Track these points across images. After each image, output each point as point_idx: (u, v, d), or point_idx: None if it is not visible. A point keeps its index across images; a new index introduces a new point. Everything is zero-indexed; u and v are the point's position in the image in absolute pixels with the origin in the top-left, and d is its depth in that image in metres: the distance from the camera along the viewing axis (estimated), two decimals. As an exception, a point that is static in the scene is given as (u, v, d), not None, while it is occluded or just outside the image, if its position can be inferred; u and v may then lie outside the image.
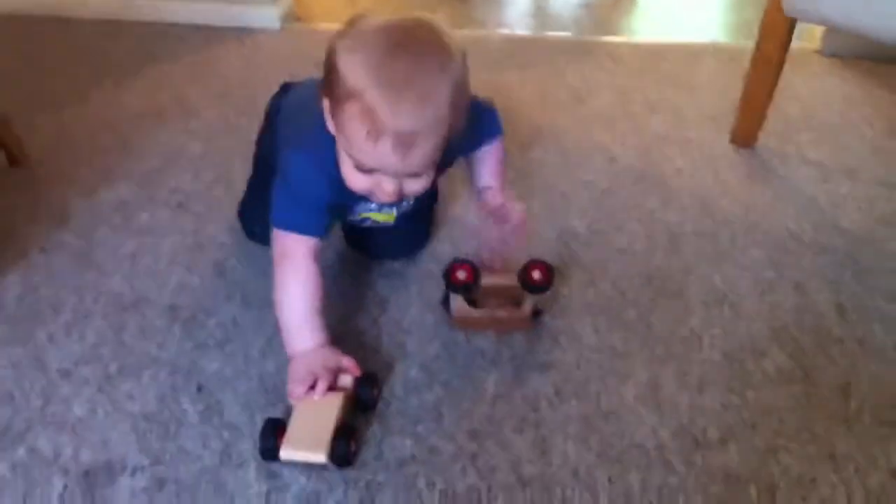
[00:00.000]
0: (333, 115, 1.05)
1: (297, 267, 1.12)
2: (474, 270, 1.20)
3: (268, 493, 1.00)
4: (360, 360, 1.12)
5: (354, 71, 0.98)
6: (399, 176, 1.06)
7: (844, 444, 1.08)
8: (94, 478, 1.02)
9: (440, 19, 1.04)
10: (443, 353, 1.21)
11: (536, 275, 1.20)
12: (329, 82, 1.03)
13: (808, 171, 1.70)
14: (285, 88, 1.38)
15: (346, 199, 1.16)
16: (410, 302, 1.31)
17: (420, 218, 1.40)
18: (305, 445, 1.01)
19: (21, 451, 1.06)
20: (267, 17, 2.38)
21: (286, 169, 1.14)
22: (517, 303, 1.23)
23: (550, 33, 2.48)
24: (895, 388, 1.16)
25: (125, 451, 1.06)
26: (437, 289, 1.30)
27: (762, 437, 1.08)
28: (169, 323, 1.27)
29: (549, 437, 1.08)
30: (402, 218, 1.27)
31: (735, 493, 1.01)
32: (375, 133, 0.98)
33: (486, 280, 1.22)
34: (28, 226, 1.49)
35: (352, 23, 1.03)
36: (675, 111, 1.94)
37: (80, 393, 1.14)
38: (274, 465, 1.03)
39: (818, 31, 2.24)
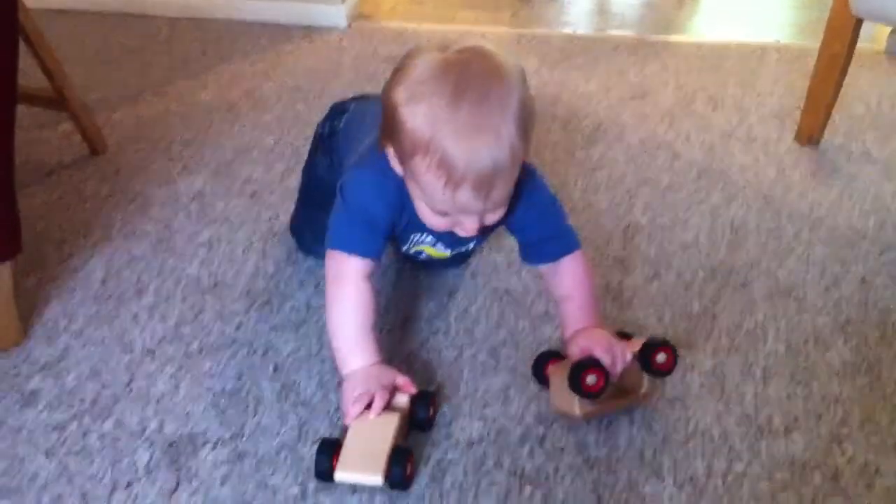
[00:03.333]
0: (402, 164, 1.03)
1: (350, 288, 1.10)
2: (605, 374, 1.05)
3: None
4: (423, 369, 1.16)
5: (421, 124, 0.97)
6: (482, 213, 1.04)
7: (910, 436, 1.08)
8: (178, 449, 1.07)
9: (489, 44, 1.02)
10: (509, 340, 1.24)
11: (661, 358, 1.09)
12: (393, 133, 1.01)
13: (872, 170, 1.70)
14: (334, 110, 1.35)
15: (403, 225, 1.14)
16: (478, 291, 1.34)
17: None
18: (361, 467, 0.99)
19: (109, 424, 1.11)
20: (334, 15, 2.43)
21: (346, 189, 1.12)
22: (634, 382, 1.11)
23: (613, 32, 2.49)
24: (962, 383, 1.16)
25: (207, 425, 1.10)
26: (501, 279, 1.32)
27: (826, 427, 1.10)
28: (246, 306, 1.32)
29: (615, 422, 1.10)
30: (456, 256, 1.26)
31: (800, 480, 1.02)
32: (454, 183, 0.97)
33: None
34: (110, 213, 1.55)
35: (404, 69, 1.00)
36: (739, 109, 1.95)
37: (163, 370, 1.20)
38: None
39: (884, 31, 2.23)
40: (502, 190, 1.01)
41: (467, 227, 1.05)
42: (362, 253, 1.11)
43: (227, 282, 1.37)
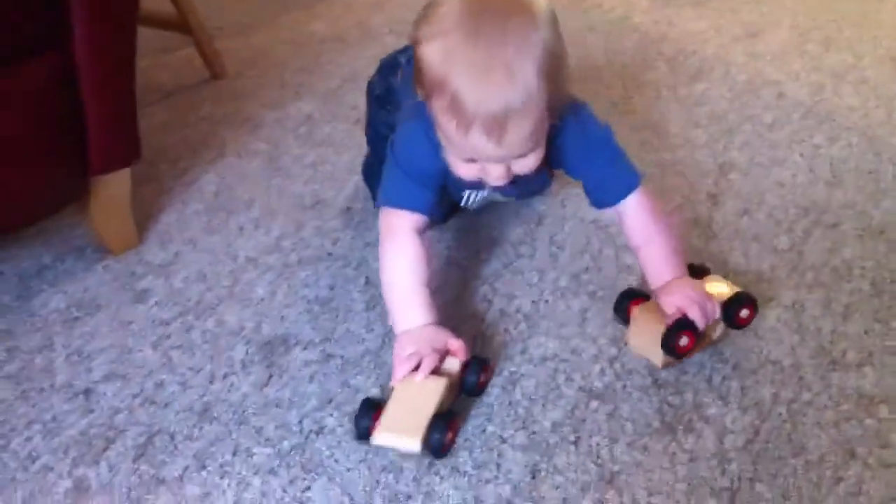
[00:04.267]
0: (429, 108, 1.01)
1: (402, 243, 1.09)
2: (696, 335, 1.06)
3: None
4: (505, 288, 1.19)
5: (435, 60, 0.95)
6: (503, 159, 1.00)
7: None
8: (272, 348, 1.16)
9: None
10: (592, 266, 1.28)
11: (744, 314, 1.10)
12: (417, 74, 1.00)
13: None
14: (384, 66, 1.33)
15: (454, 181, 1.11)
16: (565, 219, 1.38)
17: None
18: (400, 431, 0.96)
19: (210, 322, 1.21)
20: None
21: (395, 145, 1.12)
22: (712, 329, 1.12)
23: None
24: None
25: (300, 329, 1.18)
26: (590, 209, 1.35)
27: (902, 365, 1.10)
28: (343, 223, 1.39)
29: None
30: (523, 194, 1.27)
31: (865, 412, 1.03)
32: (465, 124, 0.94)
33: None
34: (225, 132, 1.65)
35: (430, 6, 0.98)
36: (854, 50, 1.89)
37: (263, 278, 1.28)
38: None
39: None
40: (518, 134, 0.96)
41: (493, 176, 1.02)
42: (413, 208, 1.09)
43: (328, 200, 1.45)
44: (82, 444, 1.02)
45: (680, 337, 1.05)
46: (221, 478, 0.98)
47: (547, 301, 1.22)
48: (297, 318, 1.20)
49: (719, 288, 1.12)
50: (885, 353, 1.11)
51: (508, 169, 1.02)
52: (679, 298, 1.06)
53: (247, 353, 1.15)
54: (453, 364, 1.04)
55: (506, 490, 0.95)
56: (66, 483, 0.98)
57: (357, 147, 1.58)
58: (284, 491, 0.95)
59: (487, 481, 0.96)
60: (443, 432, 0.96)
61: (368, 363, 1.13)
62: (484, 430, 1.02)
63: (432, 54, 0.95)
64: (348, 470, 0.98)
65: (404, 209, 1.10)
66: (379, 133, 1.30)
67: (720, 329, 1.11)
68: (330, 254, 1.33)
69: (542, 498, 0.94)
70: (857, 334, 1.14)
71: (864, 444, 0.99)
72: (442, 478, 0.96)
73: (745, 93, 1.74)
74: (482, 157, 1.00)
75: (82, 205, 1.29)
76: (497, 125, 0.94)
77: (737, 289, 1.12)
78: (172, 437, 1.03)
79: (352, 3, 2.22)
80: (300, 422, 1.04)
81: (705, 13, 2.10)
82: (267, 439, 1.02)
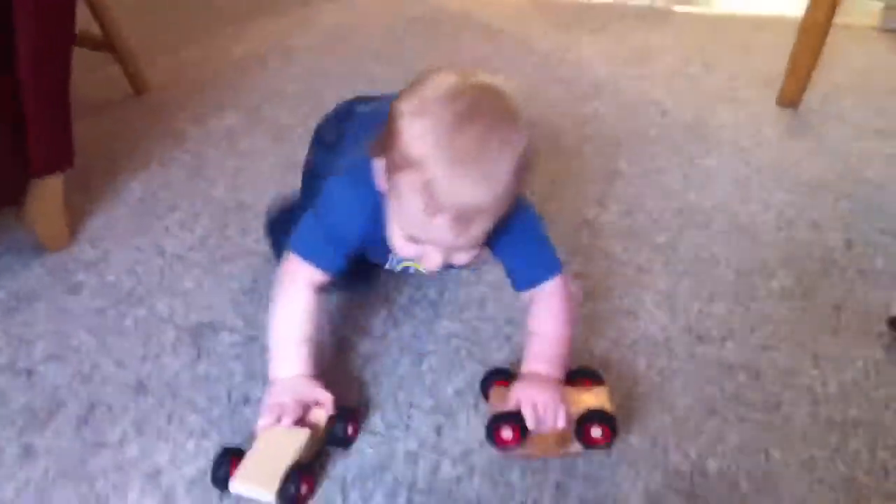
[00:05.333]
0: (389, 177, 0.99)
1: (297, 295, 1.09)
2: (521, 431, 1.03)
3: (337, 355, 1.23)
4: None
5: (418, 139, 0.94)
6: (445, 247, 1.01)
7: (828, 347, 1.24)
8: (200, 332, 1.26)
9: (509, 85, 0.99)
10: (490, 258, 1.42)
11: (596, 433, 1.03)
12: (389, 142, 0.98)
13: (843, 131, 1.85)
14: (339, 112, 1.32)
15: (379, 247, 1.10)
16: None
17: None
18: (255, 482, 0.97)
19: (142, 311, 1.31)
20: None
21: (324, 197, 1.11)
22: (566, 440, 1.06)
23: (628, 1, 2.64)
24: (884, 308, 1.31)
25: (225, 316, 1.29)
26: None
27: (757, 338, 1.26)
28: (263, 224, 1.50)
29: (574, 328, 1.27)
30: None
31: (726, 377, 1.19)
32: (433, 208, 0.94)
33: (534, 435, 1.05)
34: (149, 144, 1.75)
35: (419, 82, 0.98)
36: (731, 74, 2.10)
37: (190, 271, 1.39)
38: (351, 337, 1.25)
39: (877, 6, 2.36)
40: (479, 229, 0.98)
41: (431, 261, 1.03)
42: (319, 265, 1.09)
43: (249, 204, 1.56)
44: (27, 416, 1.12)
45: (502, 428, 1.03)
46: (158, 440, 1.08)
47: (450, 289, 1.35)
48: (223, 307, 1.31)
49: (587, 401, 1.06)
50: (744, 330, 1.27)
51: (448, 258, 1.03)
52: (523, 393, 1.05)
53: (177, 336, 1.25)
54: (320, 416, 1.05)
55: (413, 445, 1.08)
56: (15, 449, 1.07)
57: (276, 157, 1.70)
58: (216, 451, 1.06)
59: (397, 440, 1.09)
60: (297, 485, 0.97)
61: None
62: (395, 398, 1.15)
63: (413, 131, 0.94)
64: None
65: (310, 263, 1.09)
66: (320, 177, 1.22)
67: (575, 446, 1.05)
68: (252, 251, 1.44)
69: (445, 451, 1.07)
70: (721, 315, 1.31)
71: (723, 403, 1.15)
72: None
73: (631, 111, 1.92)
74: (434, 243, 1.00)
75: (19, 208, 1.38)
76: (464, 219, 0.95)
77: (608, 407, 1.06)
78: (111, 409, 1.13)
79: (272, 27, 2.34)
80: (228, 393, 1.15)
81: (598, 40, 2.29)
82: (199, 409, 1.13)
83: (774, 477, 1.04)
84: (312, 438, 1.02)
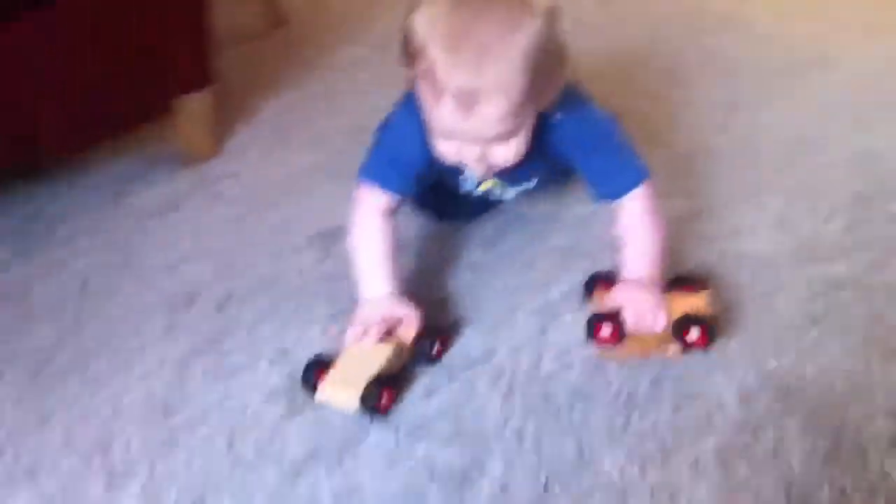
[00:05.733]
0: (414, 86, 1.03)
1: (369, 217, 1.14)
2: (621, 330, 1.07)
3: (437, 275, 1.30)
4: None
5: (419, 27, 0.96)
6: (477, 141, 1.01)
7: None
8: (327, 236, 1.36)
9: None
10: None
11: (693, 335, 1.06)
12: (405, 47, 1.01)
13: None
14: None
15: (447, 167, 1.12)
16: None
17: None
18: (338, 391, 1.03)
19: (276, 216, 1.42)
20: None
21: (385, 124, 1.17)
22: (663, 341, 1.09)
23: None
24: None
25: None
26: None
27: (868, 258, 1.25)
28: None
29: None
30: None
31: (832, 292, 1.19)
32: (436, 92, 0.95)
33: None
34: (284, 71, 1.90)
35: None
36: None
37: (319, 184, 1.50)
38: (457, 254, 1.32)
39: None
40: (489, 116, 0.96)
41: (468, 156, 1.03)
42: (385, 187, 1.13)
43: (371, 127, 1.64)
44: (174, 298, 1.26)
45: (602, 325, 1.07)
46: (286, 325, 1.19)
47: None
48: (348, 215, 1.40)
49: (687, 305, 1.09)
50: (856, 250, 1.26)
51: (484, 155, 1.03)
52: (623, 294, 1.09)
53: (306, 240, 1.36)
54: (407, 332, 1.09)
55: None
56: (159, 326, 1.21)
57: (399, 89, 1.78)
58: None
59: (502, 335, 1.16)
60: (378, 394, 1.01)
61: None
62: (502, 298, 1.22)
63: (418, 22, 0.97)
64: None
65: (377, 187, 1.13)
66: None
67: (673, 347, 1.08)
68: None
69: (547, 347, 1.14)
70: (834, 234, 1.30)
71: (826, 315, 1.16)
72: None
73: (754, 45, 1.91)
74: (452, 132, 1.01)
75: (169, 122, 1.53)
76: (465, 100, 0.94)
77: (707, 311, 1.09)
78: (245, 297, 1.25)
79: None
80: (350, 290, 1.24)
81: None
82: (324, 301, 1.23)
83: (872, 385, 1.05)
84: (397, 353, 1.07)
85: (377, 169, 1.14)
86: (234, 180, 1.52)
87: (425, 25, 0.96)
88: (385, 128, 1.17)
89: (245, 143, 1.63)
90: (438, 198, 1.30)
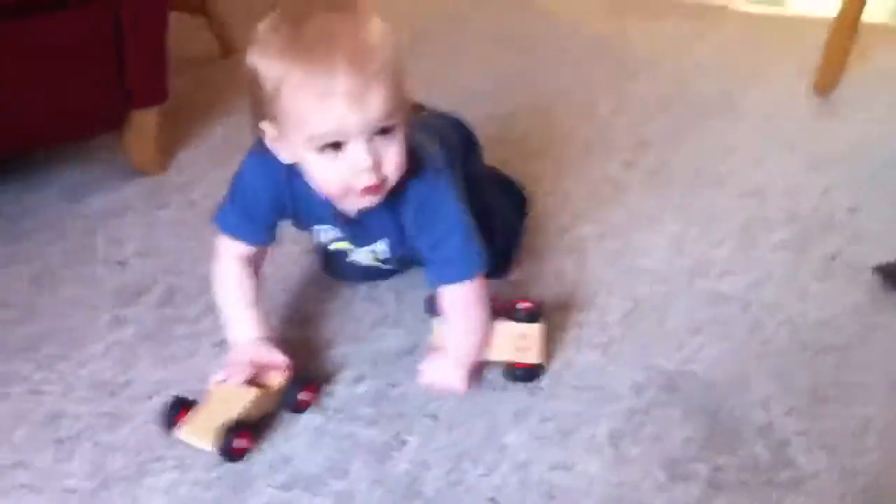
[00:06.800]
0: (273, 119, 1.01)
1: (227, 267, 1.16)
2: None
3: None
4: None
5: (274, 59, 0.96)
6: (368, 135, 0.98)
7: (815, 289, 1.40)
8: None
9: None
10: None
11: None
12: (257, 98, 1.00)
13: (870, 115, 1.95)
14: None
15: (294, 211, 1.15)
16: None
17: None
18: (198, 432, 1.04)
19: (219, 226, 1.52)
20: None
21: (237, 175, 1.15)
22: None
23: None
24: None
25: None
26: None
27: (751, 278, 1.41)
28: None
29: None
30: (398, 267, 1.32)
31: (716, 305, 1.35)
32: (325, 90, 0.94)
33: None
34: (232, 96, 1.97)
35: (255, 33, 1.01)
36: (770, 62, 2.24)
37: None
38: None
39: None
40: (381, 95, 0.96)
41: (360, 163, 0.98)
42: (237, 236, 1.15)
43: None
44: (119, 295, 1.36)
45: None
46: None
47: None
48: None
49: (519, 335, 1.19)
50: (741, 271, 1.43)
51: (378, 162, 1.00)
52: (432, 365, 1.18)
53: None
54: (276, 379, 1.11)
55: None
56: (107, 317, 1.31)
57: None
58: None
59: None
60: (232, 439, 1.03)
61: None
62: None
63: (268, 58, 0.97)
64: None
65: (230, 235, 1.15)
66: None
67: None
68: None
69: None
70: (722, 257, 1.47)
71: (709, 325, 1.31)
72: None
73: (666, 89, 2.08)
74: (344, 129, 0.97)
75: (119, 135, 1.64)
76: (357, 91, 0.94)
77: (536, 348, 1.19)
78: (189, 293, 1.36)
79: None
80: (281, 288, 1.36)
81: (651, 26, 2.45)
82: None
83: (748, 382, 1.21)
84: (261, 398, 1.08)
85: (231, 219, 1.15)
86: (181, 191, 1.62)
87: (279, 53, 0.96)
88: (237, 176, 1.15)
89: (194, 160, 1.74)
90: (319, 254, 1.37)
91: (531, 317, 1.20)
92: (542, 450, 1.09)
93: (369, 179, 1.00)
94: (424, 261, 1.16)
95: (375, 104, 0.96)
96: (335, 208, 1.11)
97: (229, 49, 2.19)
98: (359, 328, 1.30)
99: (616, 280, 1.40)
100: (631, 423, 1.14)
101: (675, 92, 2.07)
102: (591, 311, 1.33)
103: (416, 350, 1.25)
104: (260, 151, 1.09)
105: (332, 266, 1.37)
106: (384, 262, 1.25)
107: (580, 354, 1.25)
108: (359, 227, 1.15)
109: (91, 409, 1.15)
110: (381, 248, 1.20)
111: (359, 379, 1.20)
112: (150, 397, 1.16)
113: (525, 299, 1.22)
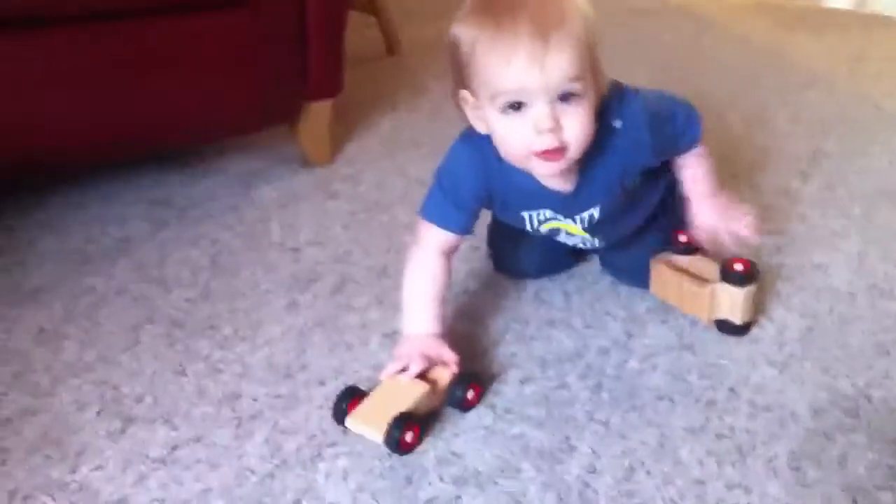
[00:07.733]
0: (469, 84, 1.06)
1: (426, 256, 1.17)
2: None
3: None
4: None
5: (469, 25, 1.03)
6: (549, 99, 1.01)
7: None
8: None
9: None
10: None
11: (738, 267, 1.21)
12: (456, 65, 1.07)
13: None
14: None
15: (503, 198, 1.18)
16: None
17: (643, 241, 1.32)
18: (367, 422, 1.05)
19: (386, 217, 1.55)
20: None
21: (440, 166, 1.19)
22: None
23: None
24: None
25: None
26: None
27: None
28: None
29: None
30: (605, 238, 1.28)
31: (901, 326, 1.29)
32: (508, 49, 0.99)
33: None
34: (397, 92, 2.07)
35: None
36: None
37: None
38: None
39: None
40: (563, 58, 0.99)
41: (540, 124, 1.01)
42: (442, 225, 1.16)
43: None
44: (293, 280, 1.39)
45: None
46: (394, 310, 1.28)
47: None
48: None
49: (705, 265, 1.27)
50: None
51: (558, 125, 1.02)
52: (701, 215, 1.24)
53: (413, 238, 1.48)
54: (443, 375, 1.11)
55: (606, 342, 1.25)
56: (282, 302, 1.34)
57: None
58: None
59: (592, 336, 1.27)
60: (401, 432, 1.03)
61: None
62: (592, 307, 1.33)
63: (463, 25, 1.04)
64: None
65: (434, 224, 1.17)
66: None
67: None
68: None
69: (633, 350, 1.24)
70: (908, 276, 1.39)
71: (895, 347, 1.24)
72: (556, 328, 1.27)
73: (843, 99, 2.00)
74: (525, 89, 1.00)
75: (292, 126, 1.69)
76: (538, 48, 0.98)
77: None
78: (359, 283, 1.38)
79: None
80: (453, 284, 1.36)
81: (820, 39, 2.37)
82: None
83: (937, 412, 1.14)
84: (430, 394, 1.08)
85: (436, 208, 1.17)
86: (349, 182, 1.66)
87: (472, 20, 1.03)
88: (442, 166, 1.19)
89: (361, 152, 1.78)
90: (509, 241, 1.36)
91: (744, 278, 1.21)
92: (718, 468, 1.05)
93: (549, 142, 1.03)
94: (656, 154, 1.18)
95: (556, 68, 0.99)
96: (543, 185, 1.14)
97: (395, 47, 2.23)
98: (526, 328, 1.28)
99: (793, 295, 1.35)
100: (811, 446, 1.08)
101: (850, 104, 1.99)
102: (767, 326, 1.28)
103: (584, 353, 1.23)
104: (468, 138, 1.14)
105: (510, 259, 1.38)
106: (593, 231, 1.24)
107: (756, 371, 1.20)
108: (570, 198, 1.17)
109: (268, 390, 1.17)
110: (595, 213, 1.20)
111: (526, 380, 1.19)
112: (323, 383, 1.18)
113: (740, 258, 1.22)
